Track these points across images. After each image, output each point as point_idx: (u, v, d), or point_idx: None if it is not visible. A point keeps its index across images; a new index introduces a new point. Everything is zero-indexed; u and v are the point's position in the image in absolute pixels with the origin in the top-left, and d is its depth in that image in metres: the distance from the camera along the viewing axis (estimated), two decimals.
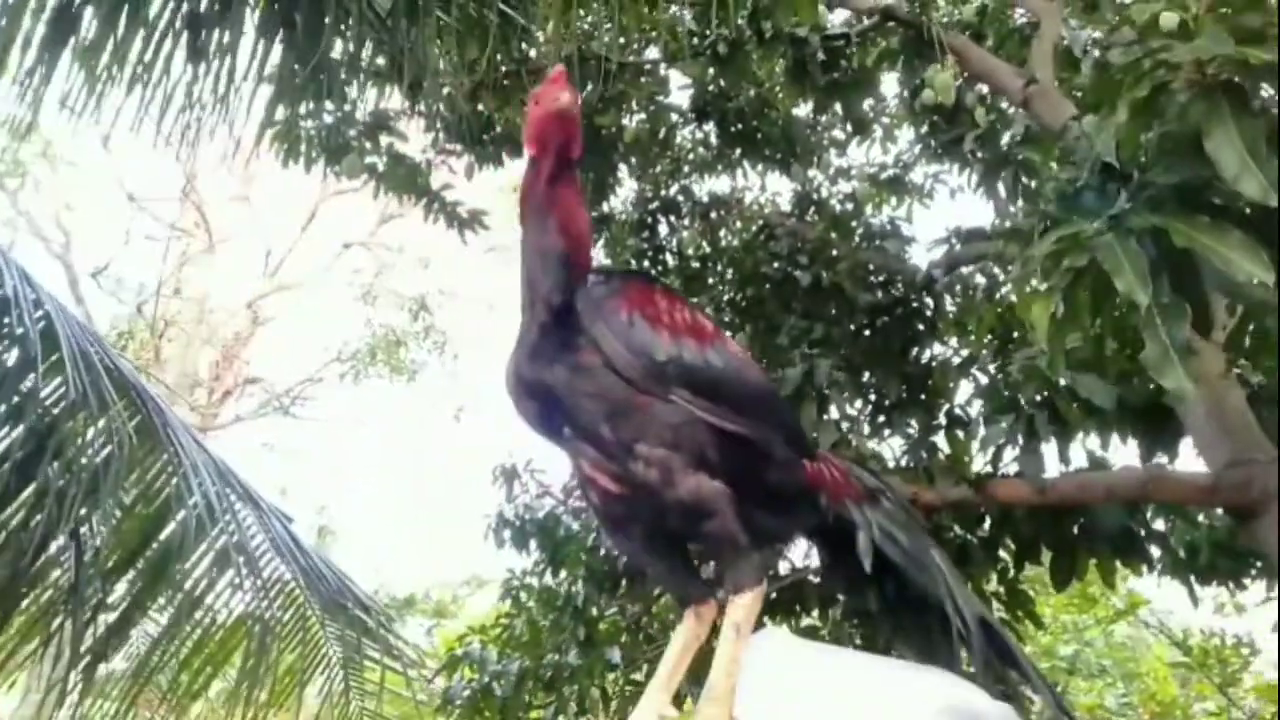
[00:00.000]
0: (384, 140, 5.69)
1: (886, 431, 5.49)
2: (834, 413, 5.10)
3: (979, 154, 5.84)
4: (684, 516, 1.04)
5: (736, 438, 1.07)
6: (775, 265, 6.14)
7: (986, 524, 4.35)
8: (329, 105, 5.75)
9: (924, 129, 6.37)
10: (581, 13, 5.53)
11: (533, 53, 5.63)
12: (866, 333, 5.75)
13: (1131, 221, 1.69)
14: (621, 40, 6.26)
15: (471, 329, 11.38)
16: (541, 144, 1.18)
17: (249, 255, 12.55)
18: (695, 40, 5.57)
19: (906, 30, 5.00)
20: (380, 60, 5.36)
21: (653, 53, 6.16)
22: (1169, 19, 5.19)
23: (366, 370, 10.80)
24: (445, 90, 5.67)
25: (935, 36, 4.69)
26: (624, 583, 5.04)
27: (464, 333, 11.21)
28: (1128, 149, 1.70)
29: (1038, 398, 3.91)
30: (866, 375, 5.64)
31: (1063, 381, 3.69)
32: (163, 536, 3.43)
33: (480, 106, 5.58)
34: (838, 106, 6.11)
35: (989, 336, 4.98)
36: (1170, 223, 1.63)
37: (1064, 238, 1.79)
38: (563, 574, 5.79)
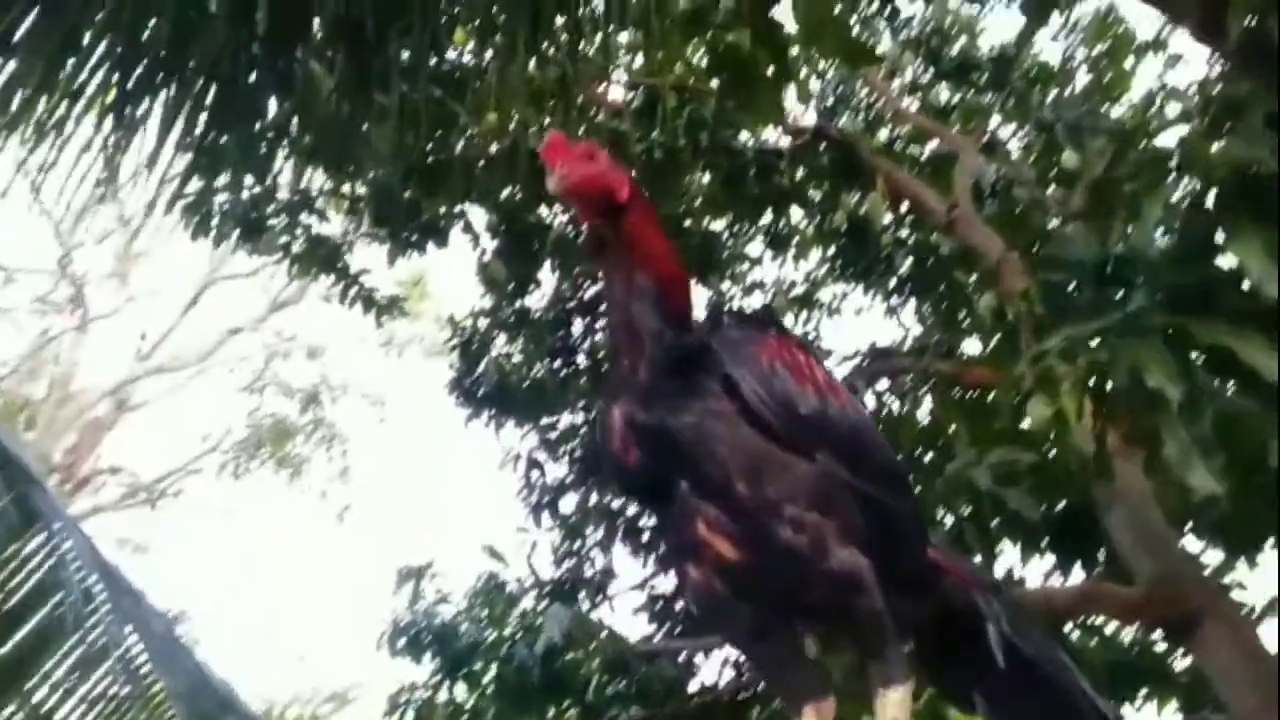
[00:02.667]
0: (304, 219, 5.48)
1: None
2: None
3: (902, 274, 6.11)
4: (830, 592, 0.92)
5: (879, 508, 0.97)
6: None
7: None
8: (248, 180, 5.55)
9: (832, 250, 6.64)
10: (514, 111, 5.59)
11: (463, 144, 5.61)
12: None
13: (1150, 320, 1.72)
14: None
15: (362, 425, 10.95)
16: (580, 213, 1.14)
17: (123, 336, 11.82)
18: (632, 147, 5.67)
19: (836, 151, 5.23)
20: (307, 138, 5.25)
21: None
22: (1069, 158, 5.54)
23: (248, 463, 10.16)
24: (372, 174, 5.56)
25: (865, 158, 4.91)
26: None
27: (354, 428, 10.77)
28: (1139, 251, 1.74)
29: (964, 510, 3.97)
30: None
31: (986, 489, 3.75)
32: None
33: (409, 193, 5.48)
34: (762, 219, 6.31)
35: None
36: (1191, 322, 1.67)
37: (1074, 336, 1.80)
38: (460, 688, 5.42)
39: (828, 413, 0.99)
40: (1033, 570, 4.47)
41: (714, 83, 5.22)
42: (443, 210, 5.76)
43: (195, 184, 5.39)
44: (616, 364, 1.04)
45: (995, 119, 6.79)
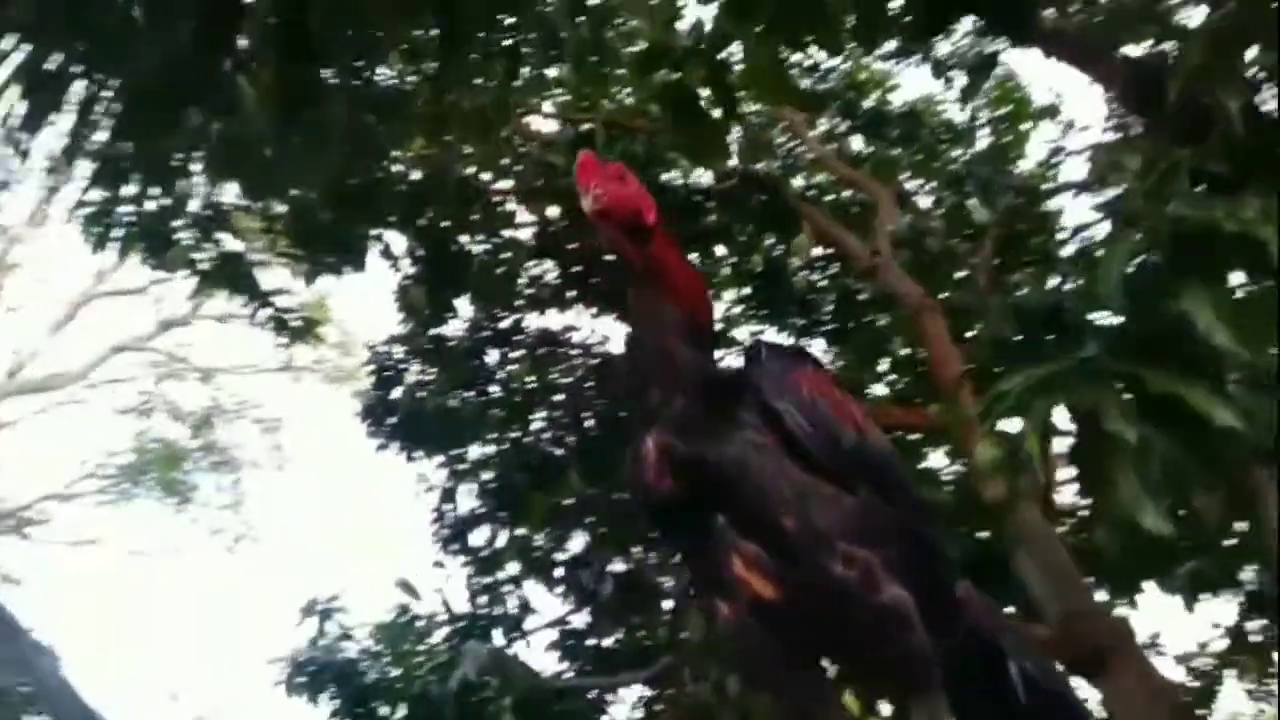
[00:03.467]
0: (216, 235, 5.26)
1: None
2: None
3: (816, 316, 6.27)
4: (877, 628, 0.92)
5: (916, 543, 0.98)
6: (611, 404, 6.16)
7: None
8: (156, 192, 5.30)
9: (748, 290, 6.77)
10: (448, 137, 5.53)
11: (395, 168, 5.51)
12: None
13: (1105, 366, 1.81)
14: (474, 170, 6.29)
15: (256, 451, 10.47)
16: (608, 240, 1.13)
17: None
18: (561, 179, 5.68)
19: (762, 194, 5.35)
20: (223, 152, 5.06)
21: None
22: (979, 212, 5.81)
23: (131, 489, 9.54)
24: (292, 193, 5.39)
25: (792, 203, 5.05)
26: None
27: (247, 454, 10.27)
28: (1101, 300, 1.83)
29: None
30: None
31: None
32: None
33: (328, 214, 5.32)
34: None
35: None
36: (1145, 370, 1.76)
37: (1038, 378, 1.88)
38: None
39: (866, 446, 1.00)
40: None
41: (655, 119, 5.32)
42: (362, 233, 5.63)
43: (99, 193, 5.14)
44: (646, 393, 1.03)
45: (905, 172, 7.10)
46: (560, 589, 5.12)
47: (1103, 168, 6.37)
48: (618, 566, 5.02)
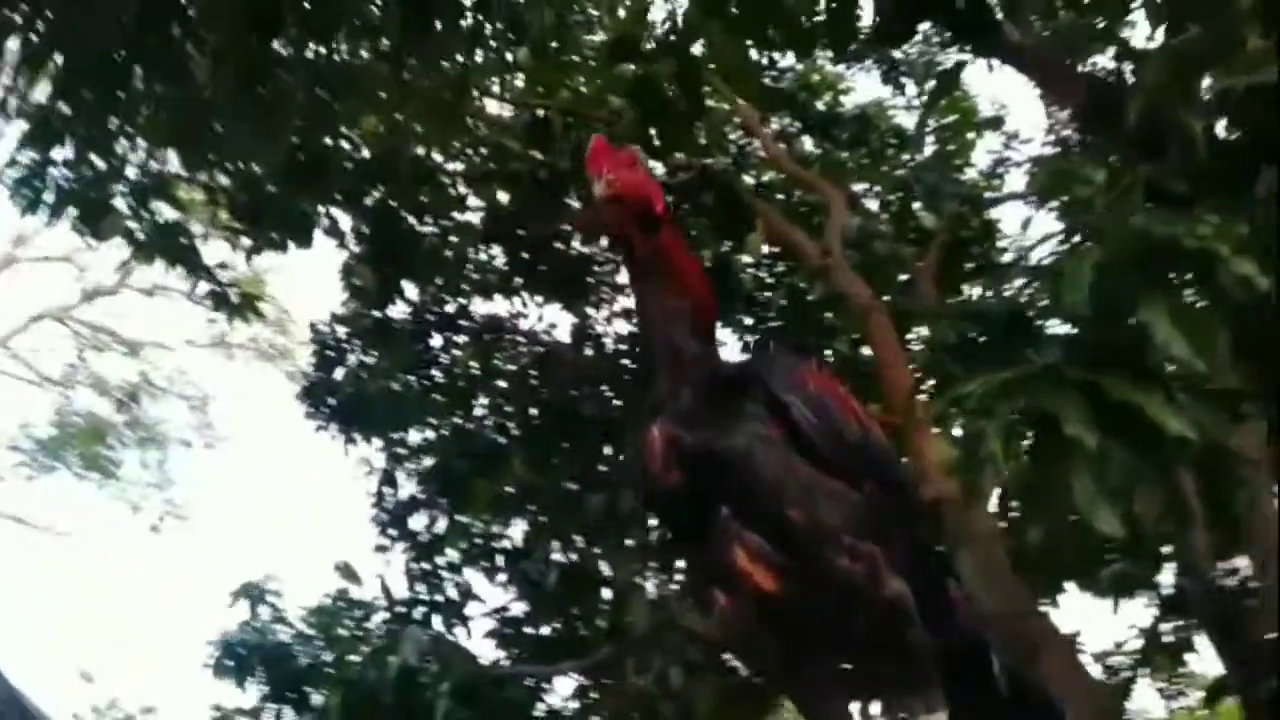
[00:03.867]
0: (155, 205, 5.08)
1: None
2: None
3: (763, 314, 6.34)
4: (880, 622, 0.94)
5: (915, 539, 1.00)
6: (556, 393, 6.15)
7: None
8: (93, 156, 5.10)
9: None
10: (400, 115, 5.43)
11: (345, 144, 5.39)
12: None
13: (1068, 374, 1.87)
14: (427, 151, 6.19)
15: (185, 428, 10.12)
16: (616, 227, 1.12)
17: None
18: (515, 164, 5.63)
19: (719, 190, 5.39)
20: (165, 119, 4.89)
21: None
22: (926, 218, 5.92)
23: (51, 464, 9.13)
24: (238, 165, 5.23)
25: (747, 200, 5.09)
26: None
27: (176, 431, 9.93)
28: (1068, 310, 1.89)
29: None
30: None
31: None
32: None
33: (275, 188, 5.18)
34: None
35: None
36: (1105, 379, 1.83)
37: (1000, 382, 1.93)
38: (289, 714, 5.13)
39: (869, 442, 1.02)
40: None
41: (615, 110, 5.30)
42: (309, 210, 5.49)
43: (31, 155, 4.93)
44: (653, 384, 1.03)
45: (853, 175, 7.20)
46: (502, 577, 5.09)
47: (1043, 180, 6.57)
48: (559, 556, 5.01)
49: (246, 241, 5.30)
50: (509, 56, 5.73)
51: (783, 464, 0.96)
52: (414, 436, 6.83)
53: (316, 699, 5.07)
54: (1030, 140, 7.38)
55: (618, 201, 1.04)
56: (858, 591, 0.94)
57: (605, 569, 4.84)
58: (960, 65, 2.80)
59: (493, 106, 6.17)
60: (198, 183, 5.34)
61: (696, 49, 3.30)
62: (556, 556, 4.59)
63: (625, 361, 6.64)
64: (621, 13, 4.18)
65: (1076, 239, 2.18)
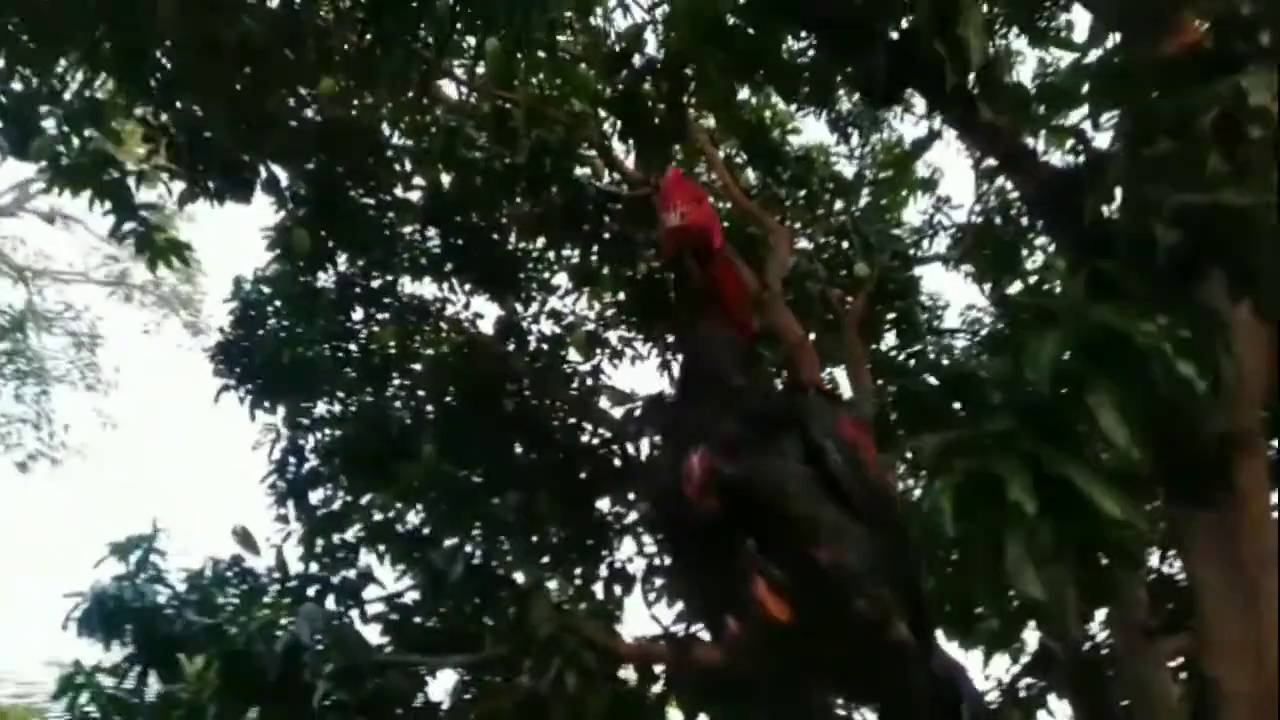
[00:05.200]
0: (89, 133, 4.85)
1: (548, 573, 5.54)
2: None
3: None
4: (886, 663, 1.01)
5: (919, 590, 1.08)
6: (483, 386, 6.12)
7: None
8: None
9: (623, 296, 6.88)
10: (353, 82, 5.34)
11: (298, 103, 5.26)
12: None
13: (1016, 442, 2.00)
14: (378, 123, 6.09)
15: (67, 365, 9.51)
16: (676, 254, 1.17)
17: None
18: (467, 150, 5.60)
19: None
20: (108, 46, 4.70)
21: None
22: (861, 267, 6.06)
23: None
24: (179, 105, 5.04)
25: None
26: None
27: (58, 368, 9.33)
28: (1032, 382, 2.02)
29: None
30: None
31: None
32: None
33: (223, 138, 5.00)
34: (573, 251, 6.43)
35: None
36: (1048, 453, 1.97)
37: (958, 441, 2.05)
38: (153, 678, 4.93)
39: (888, 491, 1.09)
40: None
41: (578, 114, 5.33)
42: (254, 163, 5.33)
43: None
44: (691, 408, 1.08)
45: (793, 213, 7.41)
46: (404, 563, 5.02)
47: (970, 246, 6.89)
48: (467, 548, 4.97)
49: (180, 186, 5.10)
50: (472, 40, 5.73)
51: (813, 504, 1.02)
52: (321, 409, 6.69)
53: (189, 666, 4.89)
54: (959, 207, 7.77)
55: (684, 234, 1.09)
56: (868, 632, 1.01)
57: (509, 567, 4.83)
58: (935, 135, 2.95)
59: (453, 90, 6.13)
60: (137, 117, 5.12)
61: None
62: (466, 548, 4.56)
63: (548, 362, 6.67)
64: (617, 26, 4.22)
65: (1018, 313, 2.33)
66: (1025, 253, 6.96)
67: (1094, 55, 3.30)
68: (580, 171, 5.63)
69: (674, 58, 3.11)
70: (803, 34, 3.28)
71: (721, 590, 1.06)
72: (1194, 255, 2.10)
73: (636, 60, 3.15)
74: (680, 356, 1.12)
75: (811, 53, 3.19)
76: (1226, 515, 2.67)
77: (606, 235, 5.89)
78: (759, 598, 1.03)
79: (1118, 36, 3.09)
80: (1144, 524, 2.10)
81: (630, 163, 6.04)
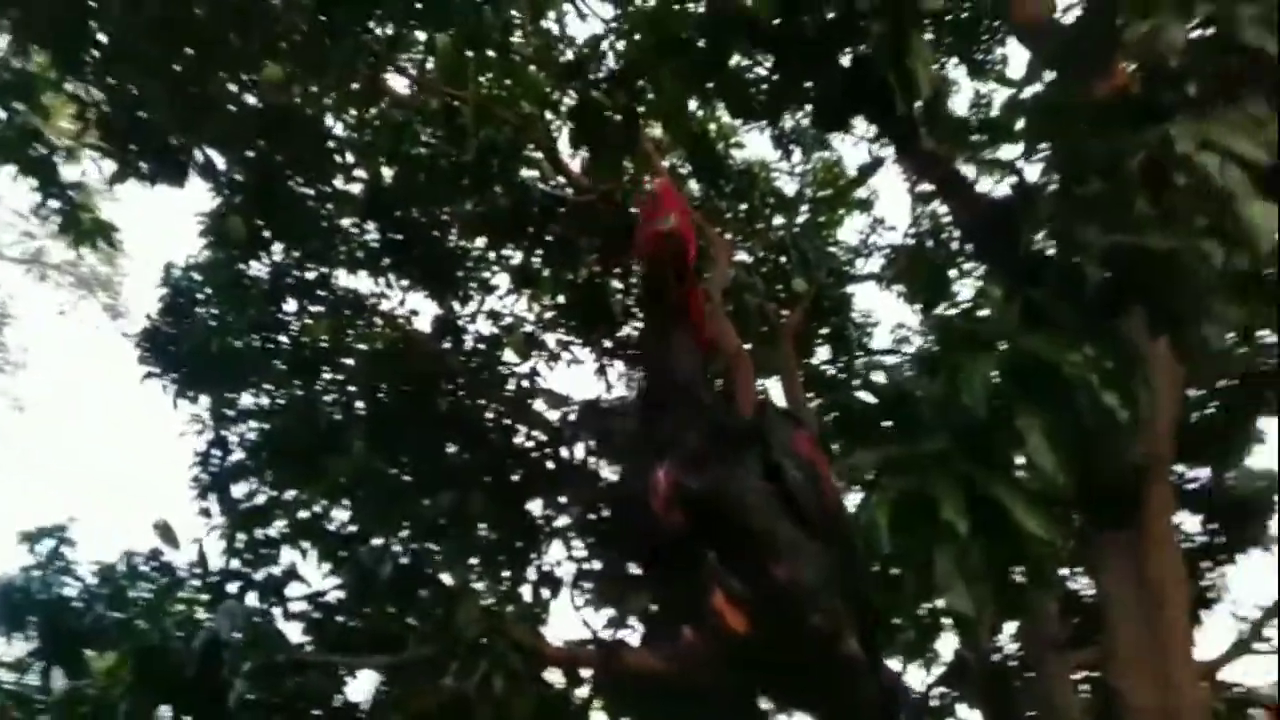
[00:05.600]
0: (16, 105, 4.67)
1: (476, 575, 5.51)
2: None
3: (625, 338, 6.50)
4: (837, 675, 1.06)
5: (868, 603, 1.13)
6: (417, 384, 6.05)
7: None
8: None
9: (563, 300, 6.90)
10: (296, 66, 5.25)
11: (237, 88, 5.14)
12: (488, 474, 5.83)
13: (951, 464, 2.09)
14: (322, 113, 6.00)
15: None
16: (657, 261, 1.19)
17: None
18: (416, 148, 5.55)
19: (614, 215, 5.50)
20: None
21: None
22: (799, 283, 6.21)
23: None
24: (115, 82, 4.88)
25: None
26: None
27: None
28: (966, 406, 2.11)
29: None
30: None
31: None
32: None
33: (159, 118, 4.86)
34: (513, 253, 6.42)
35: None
36: (983, 476, 2.06)
37: (891, 459, 2.14)
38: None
39: (842, 510, 1.15)
40: None
41: (526, 115, 5.33)
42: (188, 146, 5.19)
43: None
44: (659, 422, 1.11)
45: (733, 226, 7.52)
46: (330, 561, 4.94)
47: (904, 264, 7.09)
48: (396, 547, 4.91)
49: (112, 166, 4.94)
50: (423, 36, 5.68)
51: (772, 520, 1.07)
52: (248, 400, 6.54)
53: (97, 662, 4.73)
54: (894, 229, 7.99)
55: (674, 240, 1.12)
56: (820, 643, 1.06)
57: (437, 567, 4.78)
58: (879, 161, 3.04)
59: (400, 86, 6.07)
60: (68, 93, 4.95)
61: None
62: (395, 547, 4.50)
63: (484, 362, 6.63)
64: (571, 32, 4.25)
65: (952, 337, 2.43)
66: (955, 275, 7.23)
67: (1030, 91, 3.45)
68: (527, 173, 5.62)
69: (630, 68, 3.15)
70: (757, 54, 3.36)
71: (682, 600, 1.10)
72: (1119, 292, 2.22)
73: (593, 69, 3.18)
74: (648, 367, 1.15)
75: (765, 71, 3.27)
76: (1135, 537, 2.82)
77: (550, 238, 5.88)
78: (718, 609, 1.07)
79: (1052, 75, 3.24)
80: (1062, 544, 2.21)
81: (576, 167, 6.08)
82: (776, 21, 2.95)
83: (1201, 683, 3.07)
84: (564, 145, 6.15)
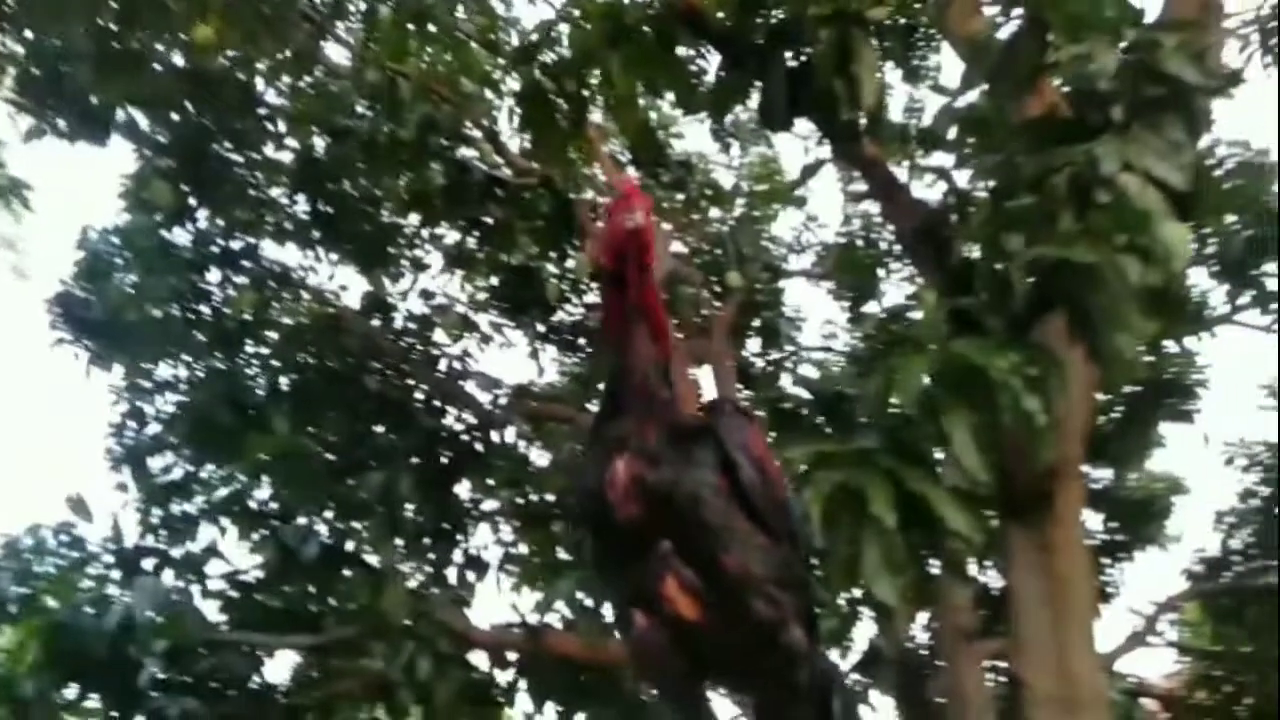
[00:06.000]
0: None
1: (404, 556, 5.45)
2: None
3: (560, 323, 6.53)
4: (779, 662, 1.10)
5: (811, 595, 1.17)
6: (346, 362, 5.95)
7: None
8: None
9: (496, 282, 6.86)
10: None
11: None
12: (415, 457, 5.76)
13: (880, 460, 2.18)
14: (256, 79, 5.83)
15: None
16: (619, 258, 1.21)
17: None
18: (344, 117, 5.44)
19: (556, 201, 5.50)
20: None
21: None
22: (734, 276, 6.29)
23: None
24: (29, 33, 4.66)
25: (580, 217, 5.24)
26: None
27: None
28: (901, 403, 2.20)
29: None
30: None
31: None
32: None
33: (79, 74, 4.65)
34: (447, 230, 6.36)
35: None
36: (910, 472, 2.15)
37: (823, 454, 2.21)
38: None
39: (790, 503, 1.19)
40: None
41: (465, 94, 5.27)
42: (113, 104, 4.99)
43: None
44: (619, 418, 1.14)
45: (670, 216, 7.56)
46: (251, 539, 4.83)
47: (836, 262, 7.23)
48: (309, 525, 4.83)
49: (29, 121, 4.73)
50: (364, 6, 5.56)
51: (726, 514, 1.11)
52: (166, 372, 6.34)
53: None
54: (826, 226, 8.15)
55: (641, 237, 1.15)
56: (766, 632, 1.11)
57: (362, 548, 4.73)
58: (820, 162, 3.11)
59: (340, 56, 5.94)
60: None
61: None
62: (319, 527, 4.44)
63: (414, 342, 6.55)
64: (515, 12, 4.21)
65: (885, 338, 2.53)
66: (883, 275, 7.42)
67: (963, 101, 3.58)
68: (466, 153, 5.57)
69: (581, 55, 3.16)
70: (704, 48, 3.40)
71: (635, 586, 1.13)
72: (1042, 301, 2.33)
73: (543, 54, 3.18)
74: (606, 360, 1.18)
75: (708, 65, 3.31)
76: (1046, 534, 2.97)
77: (488, 220, 5.83)
78: (670, 596, 1.11)
79: (984, 86, 3.36)
80: (981, 539, 2.32)
81: (515, 147, 6.04)
82: (728, 22, 3.00)
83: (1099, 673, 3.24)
84: (504, 127, 6.14)
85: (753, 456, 1.16)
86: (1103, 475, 6.20)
